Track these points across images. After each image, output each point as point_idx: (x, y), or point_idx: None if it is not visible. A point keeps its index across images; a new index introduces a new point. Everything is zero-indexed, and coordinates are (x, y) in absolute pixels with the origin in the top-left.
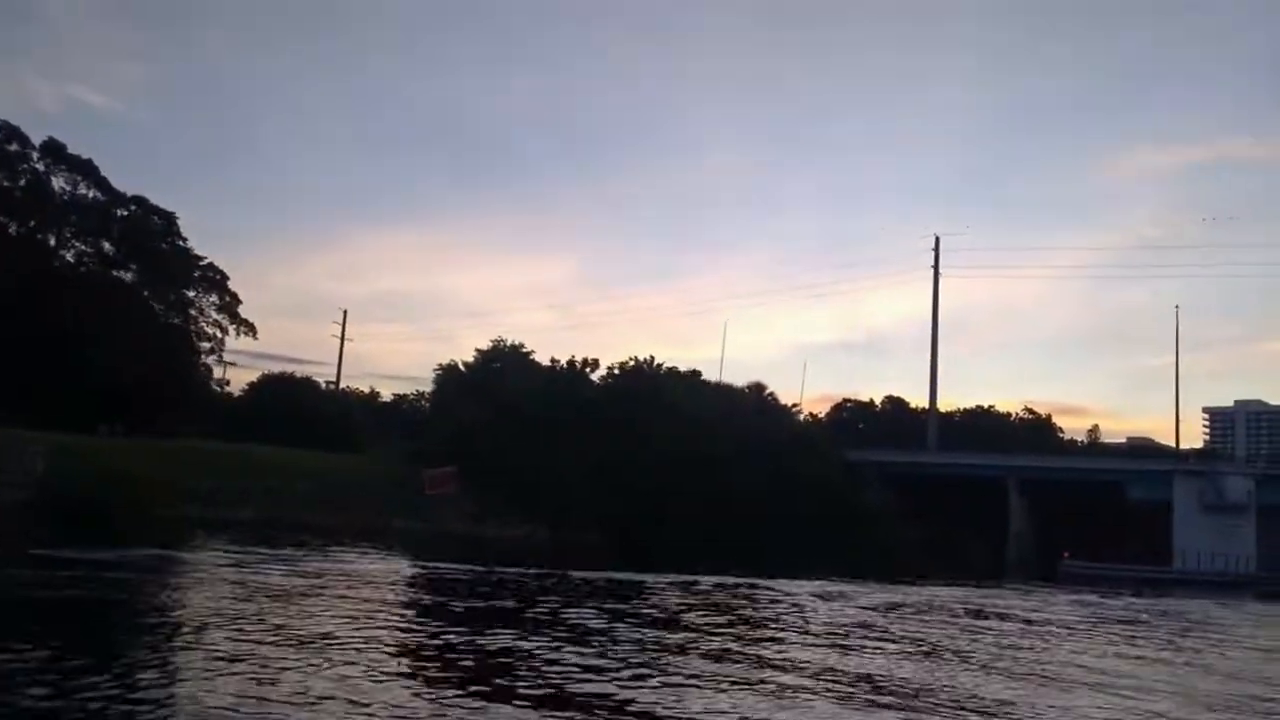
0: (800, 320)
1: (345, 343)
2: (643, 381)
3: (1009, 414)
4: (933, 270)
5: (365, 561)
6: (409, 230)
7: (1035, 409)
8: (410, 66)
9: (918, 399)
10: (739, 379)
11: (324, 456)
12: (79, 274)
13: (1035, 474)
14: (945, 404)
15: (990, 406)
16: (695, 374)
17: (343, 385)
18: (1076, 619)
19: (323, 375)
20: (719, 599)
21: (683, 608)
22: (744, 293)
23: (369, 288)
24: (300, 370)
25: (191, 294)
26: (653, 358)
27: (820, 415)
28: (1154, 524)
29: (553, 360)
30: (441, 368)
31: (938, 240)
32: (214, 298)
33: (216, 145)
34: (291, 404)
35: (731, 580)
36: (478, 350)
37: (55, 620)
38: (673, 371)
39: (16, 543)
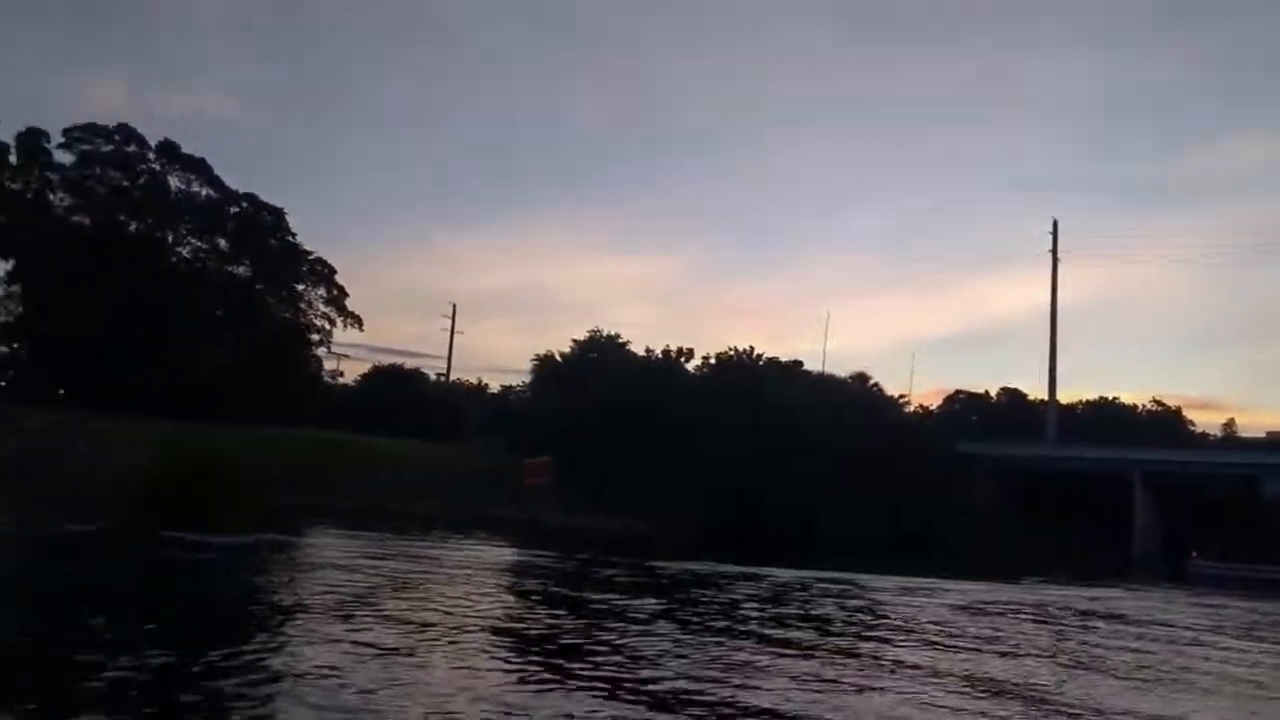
0: (911, 312)
1: (455, 336)
2: (739, 372)
3: (1135, 406)
4: (1051, 255)
5: (467, 548)
6: (516, 228)
7: (1164, 401)
8: (511, 69)
9: (1036, 391)
10: (844, 371)
11: (426, 446)
12: (195, 270)
13: (1161, 468)
14: (1066, 396)
15: (1114, 398)
16: (796, 364)
17: (453, 378)
18: (1205, 622)
19: (434, 368)
20: (823, 595)
21: (789, 603)
22: (850, 284)
23: (480, 284)
24: (412, 363)
25: (300, 288)
26: (752, 348)
27: (931, 408)
28: None
29: (647, 350)
30: (538, 359)
31: (1056, 225)
32: (321, 291)
33: (326, 146)
34: (401, 395)
35: (835, 576)
36: (574, 341)
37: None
38: (773, 362)
39: (142, 525)
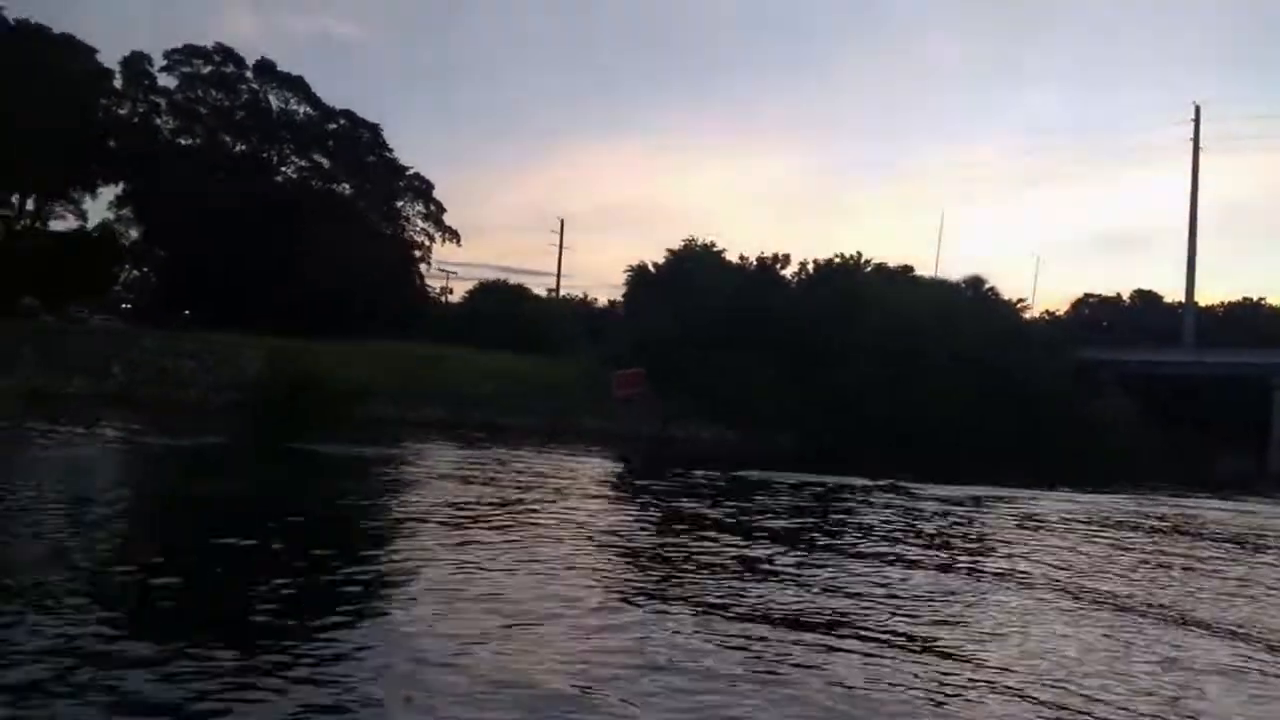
0: (1038, 215)
1: (565, 251)
2: (840, 278)
3: None
4: (1192, 145)
5: (571, 460)
6: (624, 139)
7: None
8: None
9: (1174, 293)
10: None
11: (523, 360)
12: (299, 187)
13: None
14: (1206, 298)
15: (1260, 299)
16: (906, 270)
17: (564, 292)
18: None
19: (547, 284)
20: (937, 508)
21: (907, 516)
22: (974, 187)
23: (589, 199)
24: (526, 280)
25: (400, 204)
26: (859, 254)
27: (1058, 313)
28: None
29: (741, 258)
30: (631, 269)
31: (1198, 111)
32: (420, 206)
33: (438, 66)
34: (505, 310)
35: (950, 491)
36: (669, 250)
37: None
38: (881, 267)
39: (259, 438)
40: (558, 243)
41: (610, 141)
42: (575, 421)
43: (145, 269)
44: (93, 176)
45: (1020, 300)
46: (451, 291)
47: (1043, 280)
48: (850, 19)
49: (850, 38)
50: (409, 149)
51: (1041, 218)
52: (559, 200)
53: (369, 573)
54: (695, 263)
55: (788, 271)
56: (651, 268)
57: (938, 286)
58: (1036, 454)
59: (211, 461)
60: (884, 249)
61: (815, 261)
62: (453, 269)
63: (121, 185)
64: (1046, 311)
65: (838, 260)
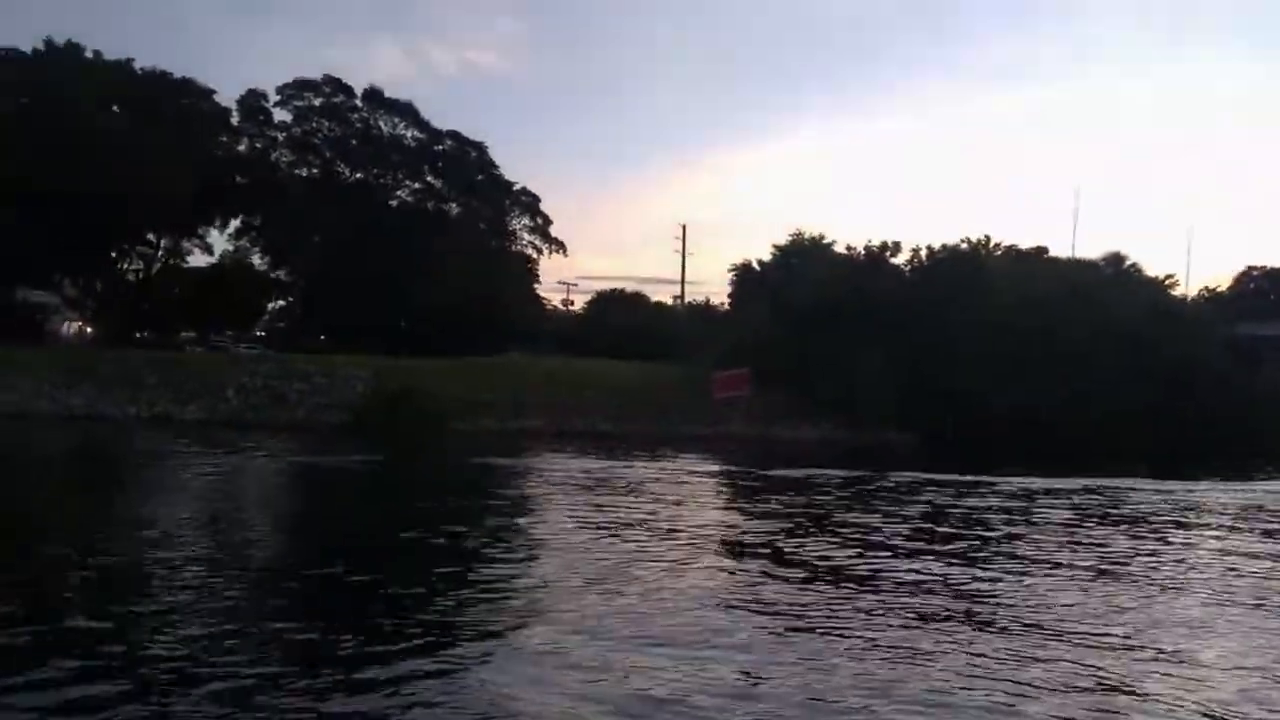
0: (1189, 185)
1: (689, 257)
2: (959, 263)
3: None
4: None
5: (675, 466)
6: (759, 146)
7: None
8: None
9: None
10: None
11: (624, 366)
12: (410, 209)
13: None
14: None
15: None
16: (1040, 251)
17: (688, 299)
18: None
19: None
20: (1082, 502)
21: (1057, 510)
22: (1112, 160)
23: (717, 205)
24: (654, 289)
25: (508, 219)
26: (988, 237)
27: (1219, 289)
28: None
29: (848, 248)
30: (735, 268)
31: None
32: (527, 220)
33: (576, 85)
34: (623, 319)
35: (1091, 482)
36: (774, 247)
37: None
38: (1011, 249)
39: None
40: (681, 250)
41: (737, 146)
42: (676, 427)
43: (289, 298)
44: (217, 212)
45: (1169, 276)
46: (573, 303)
47: (1203, 254)
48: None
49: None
50: (537, 167)
51: (1193, 188)
52: (687, 208)
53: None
54: (801, 257)
55: (899, 259)
56: (756, 265)
57: (1072, 266)
58: (1190, 438)
59: (365, 476)
60: (1014, 233)
61: (929, 247)
62: (573, 282)
63: (240, 218)
64: (1205, 288)
65: (963, 245)
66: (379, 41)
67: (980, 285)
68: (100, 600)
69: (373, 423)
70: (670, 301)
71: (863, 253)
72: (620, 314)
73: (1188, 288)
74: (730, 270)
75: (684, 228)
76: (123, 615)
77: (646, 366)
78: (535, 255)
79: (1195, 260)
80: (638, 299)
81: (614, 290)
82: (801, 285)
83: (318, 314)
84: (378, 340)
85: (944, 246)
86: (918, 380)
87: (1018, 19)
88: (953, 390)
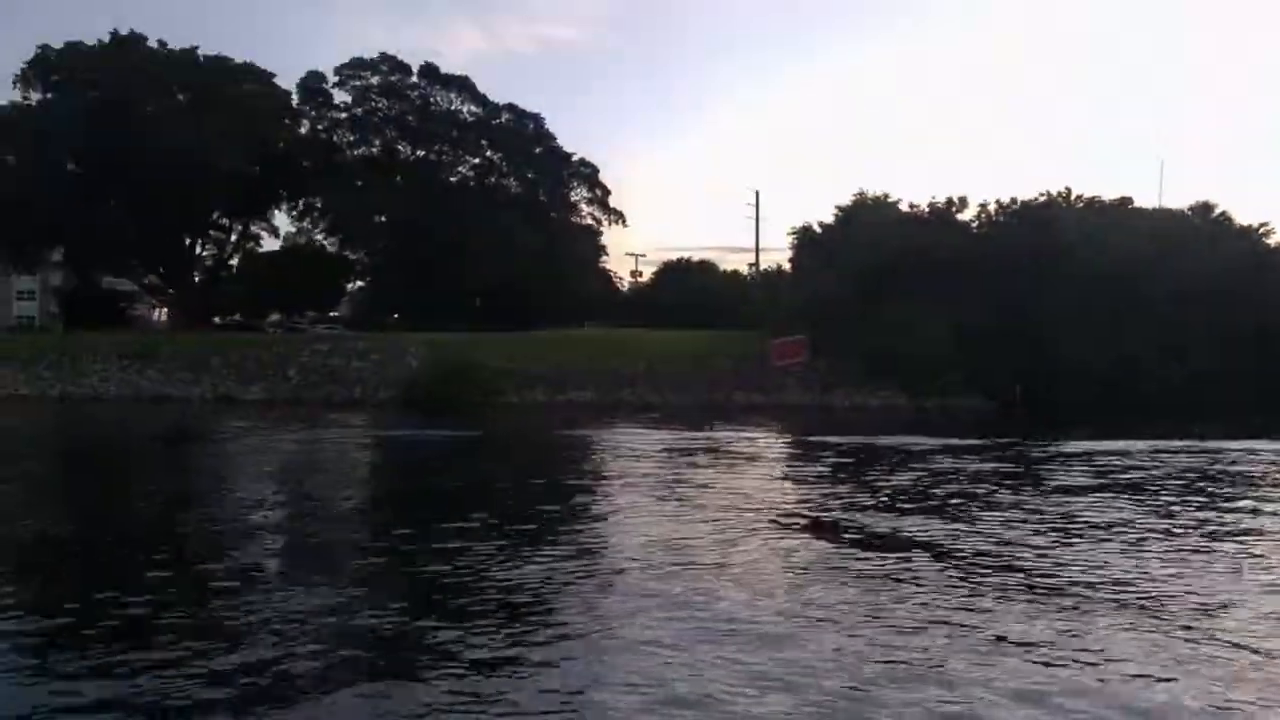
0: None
1: (760, 223)
2: (1032, 216)
3: None
4: None
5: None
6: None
7: None
8: None
9: None
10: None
11: (682, 335)
12: (470, 185)
13: None
14: None
15: None
16: (1124, 201)
17: (763, 266)
18: None
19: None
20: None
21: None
22: (1198, 105)
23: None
24: (729, 257)
25: (567, 191)
26: (1069, 189)
27: None
28: None
29: (911, 206)
30: (794, 231)
31: None
32: (585, 191)
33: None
34: (690, 288)
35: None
36: (837, 208)
37: None
38: (1093, 202)
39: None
40: (754, 216)
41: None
42: (729, 395)
43: (366, 278)
44: (282, 195)
45: (1264, 224)
46: (641, 273)
47: None
48: None
49: None
50: (608, 142)
51: None
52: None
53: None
54: (863, 218)
55: (966, 215)
56: (817, 227)
57: (1159, 216)
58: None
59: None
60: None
61: (998, 201)
62: (641, 253)
63: (303, 200)
64: None
65: (1040, 199)
66: (456, 24)
67: (1054, 240)
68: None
69: (421, 398)
70: (746, 269)
71: (926, 210)
72: (690, 283)
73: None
74: (790, 234)
75: (757, 194)
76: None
77: (700, 335)
78: (595, 226)
79: None
80: (706, 267)
81: (681, 259)
82: (862, 247)
83: (386, 293)
84: (450, 317)
85: (1013, 200)
86: (987, 343)
87: None
88: (1026, 353)
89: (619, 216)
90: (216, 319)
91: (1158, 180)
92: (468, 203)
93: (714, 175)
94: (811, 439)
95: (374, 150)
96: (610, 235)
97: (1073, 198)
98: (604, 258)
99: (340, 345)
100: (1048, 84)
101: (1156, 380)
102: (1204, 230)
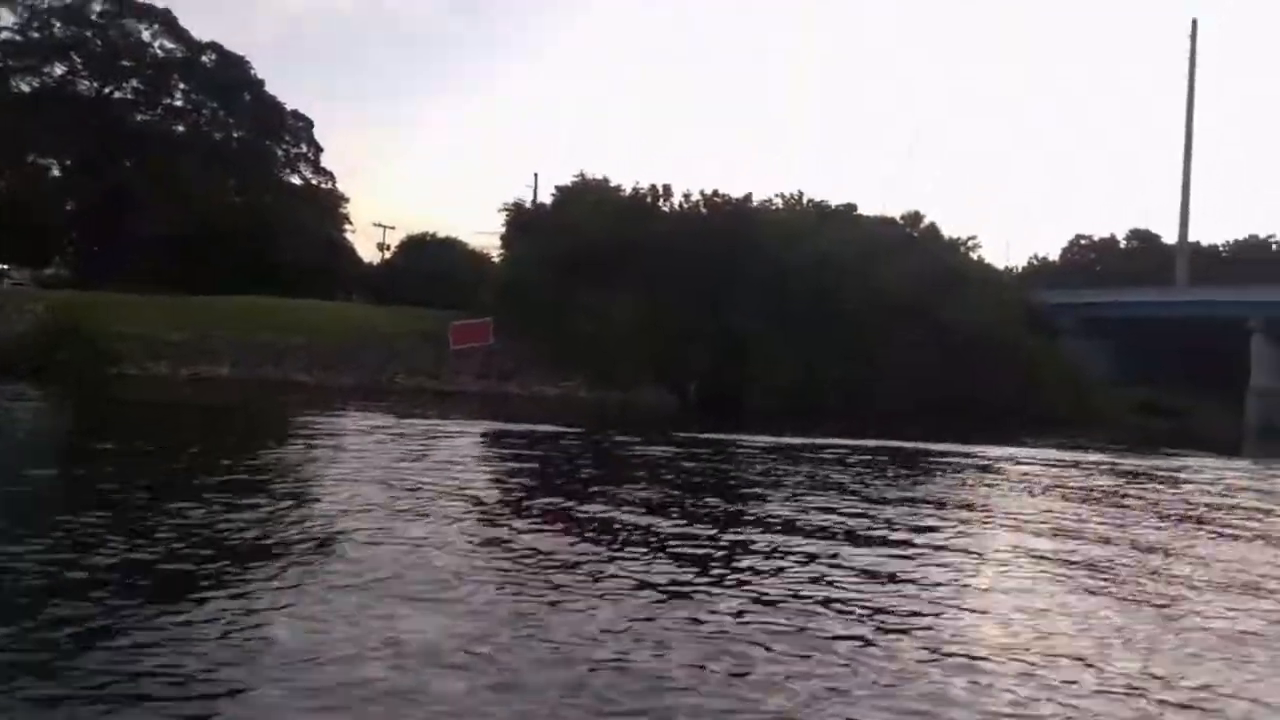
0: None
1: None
2: (734, 211)
3: None
4: (1189, 64)
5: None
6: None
7: None
8: None
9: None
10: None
11: (352, 309)
12: (159, 128)
13: None
14: (1211, 236)
15: (1269, 237)
16: (850, 208)
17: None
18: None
19: None
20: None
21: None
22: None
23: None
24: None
25: (274, 144)
26: (800, 193)
27: (1049, 257)
28: None
29: (622, 189)
30: (506, 208)
31: (1195, 26)
32: (302, 148)
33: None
34: (426, 266)
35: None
36: (555, 188)
37: None
38: (820, 205)
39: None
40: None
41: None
42: (392, 378)
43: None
44: None
45: (970, 238)
46: (389, 246)
47: (1047, 224)
48: None
49: None
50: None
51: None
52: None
53: None
54: (580, 198)
55: (671, 203)
56: (529, 205)
57: (871, 224)
58: (974, 404)
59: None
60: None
61: (702, 192)
62: (391, 225)
63: None
64: (1036, 255)
65: (775, 200)
66: None
67: (753, 236)
68: None
69: (20, 363)
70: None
71: (630, 195)
72: (436, 261)
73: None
74: (501, 210)
75: (535, 176)
76: None
77: (405, 313)
78: (316, 187)
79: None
80: (450, 244)
81: (426, 235)
82: (566, 230)
83: (52, 246)
84: (131, 275)
85: (715, 192)
86: (681, 338)
87: None
88: (719, 349)
89: (328, 176)
90: None
91: (883, 187)
92: (152, 148)
93: (499, 153)
94: (425, 421)
95: (45, 82)
96: (362, 205)
97: (804, 200)
98: (348, 227)
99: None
100: (832, 91)
101: (845, 383)
102: (908, 240)
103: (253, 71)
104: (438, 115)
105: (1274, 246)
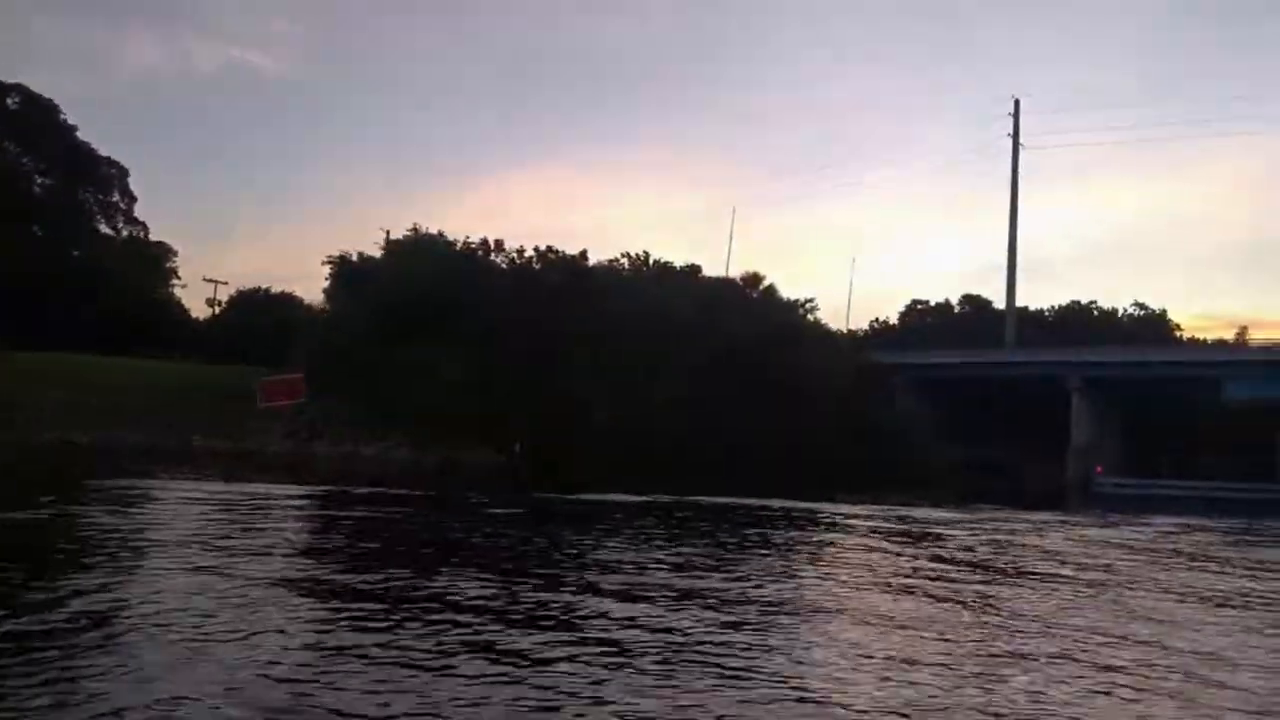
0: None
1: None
2: (568, 268)
3: (1115, 310)
4: (1012, 140)
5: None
6: (535, 170)
7: (1149, 305)
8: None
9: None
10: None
11: (145, 365)
12: None
13: (1106, 372)
14: (1037, 302)
15: (1090, 303)
16: (693, 269)
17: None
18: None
19: None
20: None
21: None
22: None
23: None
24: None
25: (88, 193)
26: (646, 254)
27: (889, 321)
28: (1260, 431)
29: (450, 245)
30: (331, 260)
31: (1017, 105)
32: (115, 197)
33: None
34: (258, 322)
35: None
36: (388, 240)
37: None
38: (664, 266)
39: None
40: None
41: (521, 171)
42: (184, 438)
43: None
44: None
45: (807, 300)
46: (221, 303)
47: (886, 291)
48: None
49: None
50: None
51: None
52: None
53: None
54: (410, 251)
55: (503, 258)
56: (356, 258)
57: (711, 284)
58: (806, 459)
59: None
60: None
61: (536, 248)
62: (223, 280)
63: None
64: (876, 319)
65: (622, 260)
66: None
67: (587, 292)
68: None
69: None
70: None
71: (462, 248)
72: (267, 317)
73: (852, 322)
74: (326, 263)
75: (386, 232)
76: None
77: (196, 368)
78: (130, 237)
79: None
80: (285, 299)
81: (258, 289)
82: (394, 284)
83: None
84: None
85: (550, 249)
86: (511, 395)
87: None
88: (551, 407)
89: (141, 226)
90: None
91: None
92: None
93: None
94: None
95: None
96: (196, 261)
97: (650, 261)
98: (176, 281)
99: None
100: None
101: (681, 442)
102: (745, 300)
103: (62, 115)
104: (298, 176)
105: (1095, 312)
